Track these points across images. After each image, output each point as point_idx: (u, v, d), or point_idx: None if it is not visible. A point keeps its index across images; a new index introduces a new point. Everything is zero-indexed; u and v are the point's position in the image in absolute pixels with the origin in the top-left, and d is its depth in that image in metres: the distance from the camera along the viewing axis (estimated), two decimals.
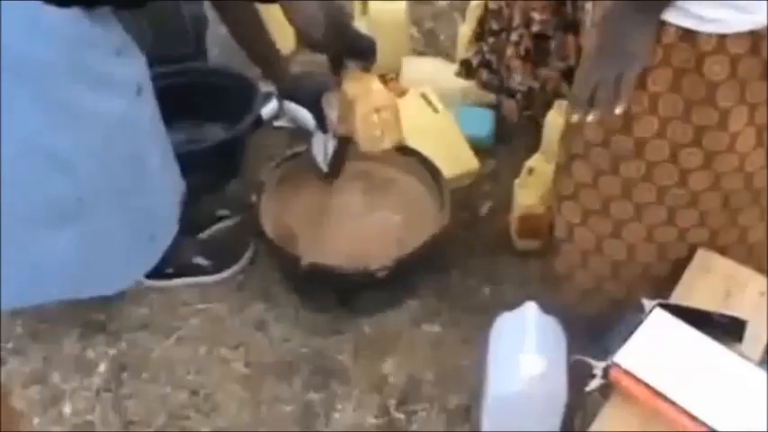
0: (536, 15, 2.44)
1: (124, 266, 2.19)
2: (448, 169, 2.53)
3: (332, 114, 2.15)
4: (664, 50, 1.61)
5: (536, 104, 2.65)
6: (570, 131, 1.84)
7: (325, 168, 2.26)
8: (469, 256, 2.51)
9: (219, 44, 2.94)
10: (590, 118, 1.65)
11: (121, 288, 2.28)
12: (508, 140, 2.84)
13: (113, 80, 1.91)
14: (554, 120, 2.44)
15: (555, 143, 2.34)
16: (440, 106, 2.78)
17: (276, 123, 2.91)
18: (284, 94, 2.31)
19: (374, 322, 2.34)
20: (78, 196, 1.97)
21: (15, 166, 1.85)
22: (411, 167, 2.51)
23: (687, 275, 1.79)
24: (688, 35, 1.58)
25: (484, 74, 2.69)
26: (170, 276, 2.42)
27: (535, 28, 2.45)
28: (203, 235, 2.56)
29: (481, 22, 2.64)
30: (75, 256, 2.05)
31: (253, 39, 2.09)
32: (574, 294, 1.99)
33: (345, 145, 2.20)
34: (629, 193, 1.79)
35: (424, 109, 2.78)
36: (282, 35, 2.25)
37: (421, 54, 3.24)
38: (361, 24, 3.00)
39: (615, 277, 1.92)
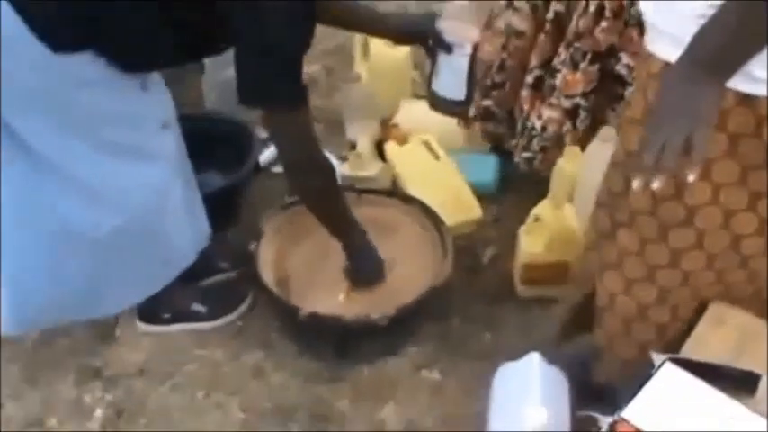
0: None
1: (131, 288, 2.22)
2: (450, 217, 2.53)
3: (454, 28, 2.07)
4: (720, 116, 1.48)
5: (533, 146, 2.59)
6: (613, 199, 1.74)
7: (462, 96, 2.13)
8: (471, 302, 2.49)
9: (216, 89, 2.93)
10: (655, 185, 1.45)
11: (125, 308, 2.30)
12: (513, 186, 2.84)
13: (137, 115, 2.00)
14: (562, 167, 2.44)
15: (563, 191, 2.40)
16: (441, 153, 2.79)
17: (275, 169, 2.89)
18: (397, 39, 2.33)
19: (373, 369, 2.32)
20: (97, 222, 2.02)
21: (36, 192, 1.97)
22: (413, 215, 2.52)
23: (700, 328, 1.73)
24: (746, 99, 1.48)
25: (489, 126, 2.70)
26: (167, 322, 2.41)
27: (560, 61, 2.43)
28: (203, 282, 2.53)
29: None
30: (85, 278, 2.11)
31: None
32: (616, 363, 1.90)
33: (474, 60, 2.11)
34: (677, 261, 1.70)
35: (426, 156, 2.80)
36: None
37: (423, 98, 3.20)
38: (362, 68, 2.99)
39: (660, 339, 1.84)
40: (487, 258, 2.63)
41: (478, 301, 2.49)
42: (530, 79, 2.52)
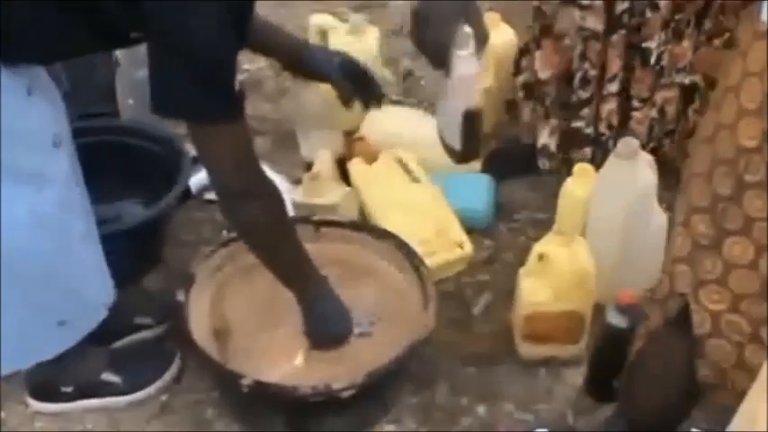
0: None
1: (12, 348, 2.11)
2: (434, 256, 2.55)
3: (461, 84, 2.02)
4: None
5: (655, 134, 2.81)
6: (720, 204, 1.83)
7: (458, 146, 2.09)
8: (460, 365, 2.47)
9: (134, 93, 2.92)
10: None
11: (5, 373, 2.21)
12: (511, 214, 2.86)
13: (20, 127, 1.92)
14: (570, 191, 2.50)
15: (572, 220, 2.47)
16: (420, 173, 2.81)
17: (208, 195, 2.83)
18: (307, 75, 2.50)
19: None
20: None
21: None
22: (386, 254, 2.51)
23: (750, 397, 1.71)
24: None
25: (587, 151, 2.83)
26: (68, 398, 2.35)
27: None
28: (116, 344, 2.49)
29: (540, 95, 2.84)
30: None
31: None
32: (729, 399, 1.93)
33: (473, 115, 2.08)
34: None
35: (401, 178, 2.83)
36: None
37: (396, 103, 3.24)
38: None
39: None
40: (480, 308, 2.62)
41: (470, 363, 2.47)
42: (614, 88, 2.70)
